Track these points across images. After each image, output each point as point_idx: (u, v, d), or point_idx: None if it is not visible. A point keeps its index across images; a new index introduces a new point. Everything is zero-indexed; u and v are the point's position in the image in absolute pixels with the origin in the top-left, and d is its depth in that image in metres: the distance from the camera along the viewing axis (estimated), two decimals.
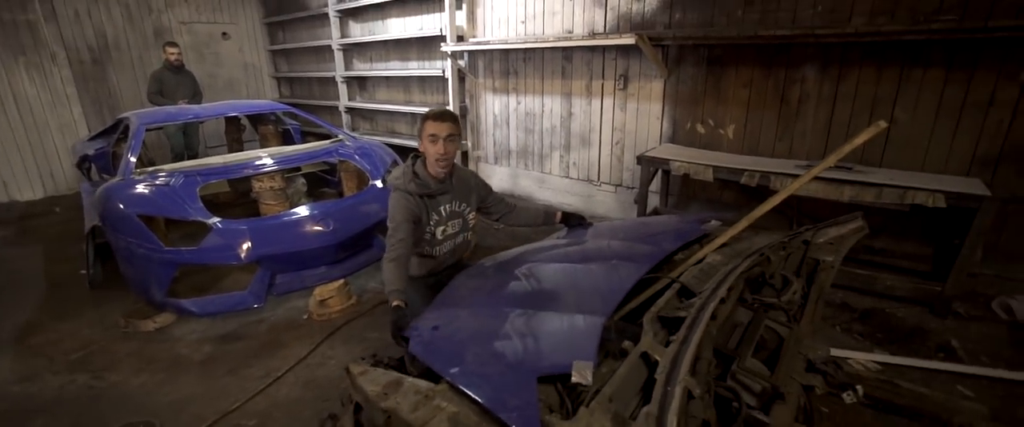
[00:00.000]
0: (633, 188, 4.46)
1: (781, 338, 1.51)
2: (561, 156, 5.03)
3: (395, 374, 1.35)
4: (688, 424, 1.06)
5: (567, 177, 5.05)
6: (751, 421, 1.17)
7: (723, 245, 1.92)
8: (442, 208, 2.17)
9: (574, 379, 1.16)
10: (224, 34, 7.77)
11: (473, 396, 1.17)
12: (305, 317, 3.10)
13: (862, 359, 2.43)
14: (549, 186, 5.24)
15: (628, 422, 1.07)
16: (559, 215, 2.43)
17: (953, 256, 2.78)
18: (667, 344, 1.30)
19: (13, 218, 5.40)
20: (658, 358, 1.23)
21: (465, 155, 5.82)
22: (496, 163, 5.73)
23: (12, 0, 5.67)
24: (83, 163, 4.65)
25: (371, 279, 3.58)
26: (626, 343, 1.30)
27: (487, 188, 2.40)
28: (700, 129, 4.00)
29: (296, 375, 2.54)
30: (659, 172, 3.95)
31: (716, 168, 3.38)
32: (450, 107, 5.47)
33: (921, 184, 2.75)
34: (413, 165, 2.13)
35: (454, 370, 1.27)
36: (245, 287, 3.19)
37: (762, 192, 3.33)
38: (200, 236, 3.06)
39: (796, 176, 3.05)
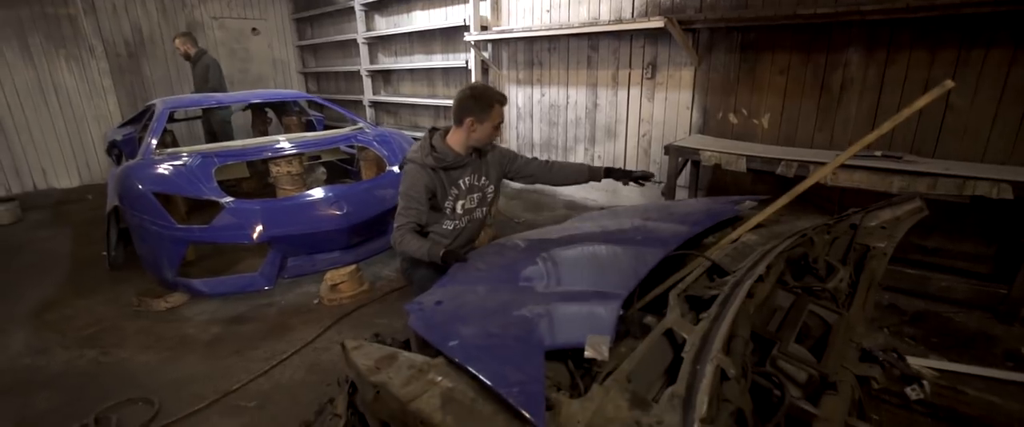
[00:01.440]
0: (661, 182, 4.25)
1: (828, 325, 1.32)
2: (586, 149, 4.86)
3: (390, 349, 1.22)
4: (721, 409, 0.89)
5: None
6: (796, 412, 0.99)
7: (759, 225, 1.73)
8: (461, 181, 2.10)
9: (588, 354, 1.01)
10: (254, 30, 7.89)
11: (471, 370, 1.03)
12: (316, 302, 3.02)
13: (917, 365, 2.18)
14: None
15: (650, 404, 0.91)
16: (603, 169, 2.31)
17: (1019, 256, 2.50)
18: (696, 324, 1.14)
19: (49, 203, 5.57)
20: (686, 336, 1.07)
21: None
22: None
23: None
24: (112, 149, 4.73)
25: (385, 266, 3.49)
26: (648, 318, 1.14)
27: (511, 155, 2.30)
28: (733, 119, 3.78)
29: (302, 358, 2.46)
30: (688, 164, 3.74)
31: (749, 158, 3.16)
32: None
33: (983, 174, 2.48)
34: (431, 138, 2.04)
35: (452, 343, 1.14)
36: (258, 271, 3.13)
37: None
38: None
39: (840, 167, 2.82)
